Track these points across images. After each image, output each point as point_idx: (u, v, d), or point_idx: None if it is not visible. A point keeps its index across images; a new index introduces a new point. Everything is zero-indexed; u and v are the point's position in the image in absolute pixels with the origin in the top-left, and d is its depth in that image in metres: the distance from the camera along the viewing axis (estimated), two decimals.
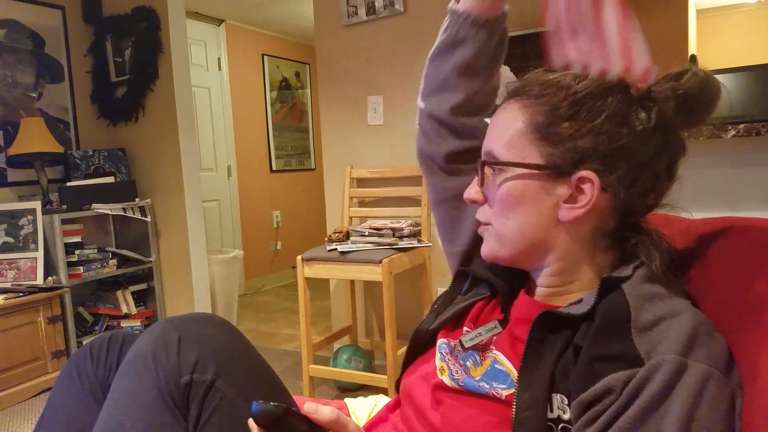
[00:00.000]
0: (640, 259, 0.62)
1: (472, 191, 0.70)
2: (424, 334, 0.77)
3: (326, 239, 2.30)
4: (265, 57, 4.58)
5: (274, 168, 4.69)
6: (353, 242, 2.21)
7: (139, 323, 3.02)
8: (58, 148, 2.78)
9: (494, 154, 0.67)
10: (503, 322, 0.70)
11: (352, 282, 2.55)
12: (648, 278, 0.60)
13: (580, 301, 0.62)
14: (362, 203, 2.55)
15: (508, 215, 0.66)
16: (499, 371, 0.64)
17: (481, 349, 0.68)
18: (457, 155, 0.83)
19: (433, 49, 0.84)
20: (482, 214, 0.70)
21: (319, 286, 2.43)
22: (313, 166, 5.12)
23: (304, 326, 2.20)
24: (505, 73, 2.04)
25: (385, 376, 2.04)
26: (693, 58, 1.60)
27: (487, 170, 0.68)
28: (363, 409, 1.07)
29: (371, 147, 2.50)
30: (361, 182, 2.54)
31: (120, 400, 0.72)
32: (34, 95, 2.90)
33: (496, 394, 0.63)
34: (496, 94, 0.84)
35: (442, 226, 0.90)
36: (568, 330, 0.60)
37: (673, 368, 0.49)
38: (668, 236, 0.67)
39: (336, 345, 2.58)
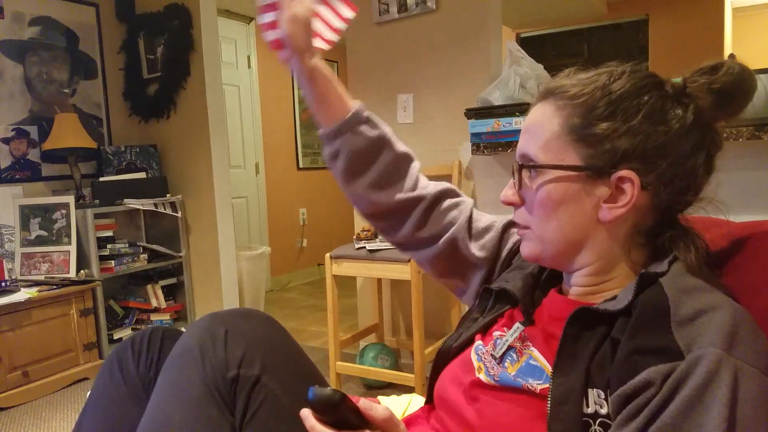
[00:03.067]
0: (674, 254, 0.62)
1: (509, 193, 0.70)
2: (449, 351, 0.78)
3: (354, 237, 2.30)
4: None
5: (300, 166, 4.72)
6: (381, 241, 2.21)
7: (168, 317, 3.06)
8: (92, 144, 2.83)
9: (531, 157, 0.67)
10: (526, 322, 0.71)
11: (379, 280, 2.55)
12: (686, 272, 0.60)
13: (614, 297, 0.62)
14: None
15: (549, 218, 0.66)
16: (534, 367, 0.65)
17: (517, 347, 0.69)
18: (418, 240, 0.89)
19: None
20: (520, 216, 0.70)
21: (345, 284, 2.43)
22: None
23: (331, 323, 2.20)
24: (539, 71, 2.01)
25: (412, 375, 2.04)
26: (732, 57, 1.54)
27: (524, 173, 0.68)
28: (396, 407, 1.07)
29: None
30: None
31: (167, 394, 0.72)
32: (68, 91, 2.96)
33: (530, 387, 0.63)
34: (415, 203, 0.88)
35: (454, 287, 0.94)
36: (603, 326, 0.60)
37: (713, 361, 0.49)
38: (711, 239, 0.67)
39: (362, 343, 2.58)
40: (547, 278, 0.77)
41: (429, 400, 0.81)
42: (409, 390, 2.14)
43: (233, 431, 0.72)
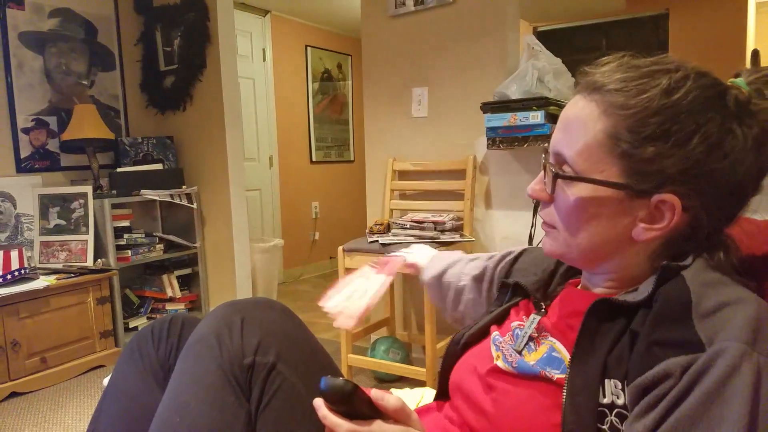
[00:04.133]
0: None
1: (537, 189, 0.67)
2: (462, 339, 0.79)
3: (367, 231, 2.31)
4: (309, 48, 4.61)
5: (314, 159, 4.73)
6: (394, 235, 2.21)
7: (183, 307, 3.10)
8: (109, 135, 2.86)
9: (566, 160, 0.63)
10: (540, 313, 0.72)
11: None
12: (709, 266, 0.59)
13: (635, 289, 0.61)
14: (403, 196, 2.54)
15: (580, 227, 0.63)
16: (555, 358, 0.64)
17: (535, 337, 0.69)
18: None
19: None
20: (548, 214, 0.68)
21: None
22: (352, 158, 5.14)
23: None
24: (557, 65, 1.99)
25: (423, 369, 2.04)
26: (756, 53, 1.53)
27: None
28: (409, 400, 1.07)
29: (414, 139, 2.49)
30: (403, 175, 2.53)
31: (184, 381, 0.73)
32: (86, 83, 2.99)
33: (548, 375, 0.62)
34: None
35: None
36: (623, 317, 0.59)
37: (736, 355, 0.48)
38: (738, 237, 0.65)
39: (373, 336, 2.59)
40: (566, 270, 0.77)
41: (440, 394, 0.81)
42: (420, 384, 2.14)
43: (249, 417, 0.73)
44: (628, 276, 0.65)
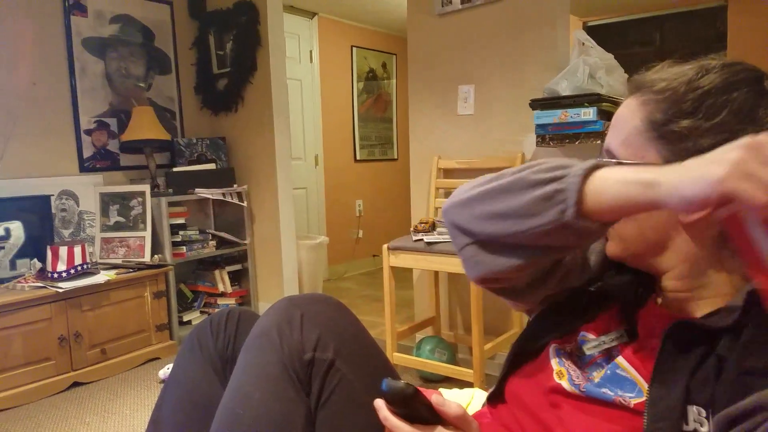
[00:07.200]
0: None
1: None
2: (526, 348, 0.75)
3: (412, 229, 2.32)
4: (354, 48, 4.65)
5: (358, 158, 4.77)
6: (439, 233, 2.21)
7: (233, 301, 3.19)
8: (166, 136, 2.97)
9: (613, 152, 0.65)
10: (631, 333, 0.66)
11: (436, 273, 2.55)
12: None
13: (718, 311, 0.59)
14: (448, 194, 2.53)
15: (628, 217, 0.63)
16: (623, 378, 0.61)
17: (606, 354, 0.66)
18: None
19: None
20: None
21: (400, 276, 2.44)
22: (395, 156, 5.16)
23: (388, 314, 2.23)
24: (609, 60, 1.95)
25: (470, 370, 2.03)
26: None
27: None
28: (459, 401, 1.07)
29: (459, 137, 2.48)
30: (448, 173, 2.52)
31: (248, 373, 0.75)
32: (144, 86, 3.12)
33: (623, 402, 0.59)
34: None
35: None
36: (705, 341, 0.57)
37: None
38: None
39: (418, 335, 2.59)
40: (644, 285, 0.71)
41: (494, 399, 0.78)
42: (466, 385, 2.14)
43: (308, 412, 0.74)
44: (691, 272, 0.62)
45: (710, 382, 0.54)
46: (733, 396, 0.51)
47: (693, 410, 0.54)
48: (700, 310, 0.62)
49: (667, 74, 0.62)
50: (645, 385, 0.59)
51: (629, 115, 0.64)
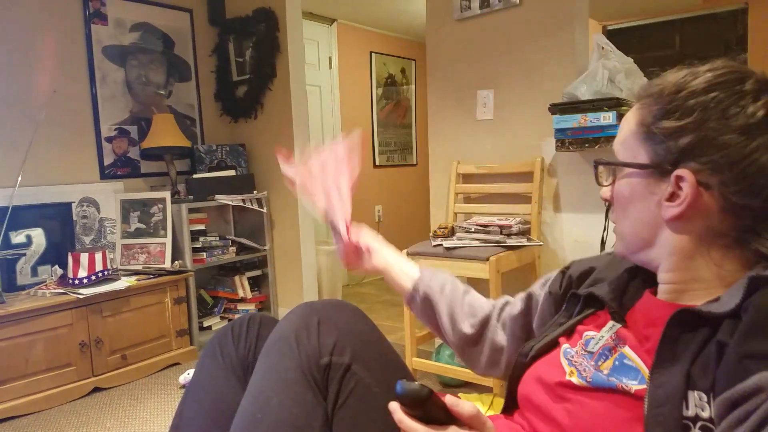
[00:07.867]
0: None
1: (605, 190, 0.72)
2: (531, 352, 0.78)
3: (431, 235, 2.30)
4: (373, 54, 4.66)
5: (377, 163, 4.78)
6: (459, 238, 2.19)
7: (253, 307, 3.21)
8: (186, 143, 3.01)
9: (615, 153, 0.69)
10: (619, 321, 0.71)
11: None
12: None
13: (717, 299, 0.60)
14: (467, 199, 2.52)
15: (624, 215, 0.68)
16: (629, 367, 0.64)
17: (610, 345, 0.68)
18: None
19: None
20: (612, 214, 0.72)
21: None
22: (414, 162, 5.15)
23: (408, 319, 2.22)
24: (628, 65, 1.92)
25: None
26: None
27: (609, 171, 0.70)
28: (480, 404, 1.06)
29: (479, 142, 2.46)
30: (467, 178, 2.51)
31: (266, 377, 0.77)
32: (164, 93, 3.16)
33: (625, 388, 0.62)
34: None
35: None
36: (706, 328, 0.58)
37: None
38: None
39: (437, 340, 2.57)
40: (642, 281, 0.75)
41: (507, 407, 0.81)
42: (486, 390, 2.11)
43: (326, 416, 0.75)
44: (681, 265, 0.64)
45: (711, 368, 0.55)
46: (733, 380, 0.52)
47: (694, 395, 0.55)
48: (697, 300, 0.63)
49: (665, 79, 0.66)
50: (648, 373, 0.60)
51: (629, 118, 0.68)
